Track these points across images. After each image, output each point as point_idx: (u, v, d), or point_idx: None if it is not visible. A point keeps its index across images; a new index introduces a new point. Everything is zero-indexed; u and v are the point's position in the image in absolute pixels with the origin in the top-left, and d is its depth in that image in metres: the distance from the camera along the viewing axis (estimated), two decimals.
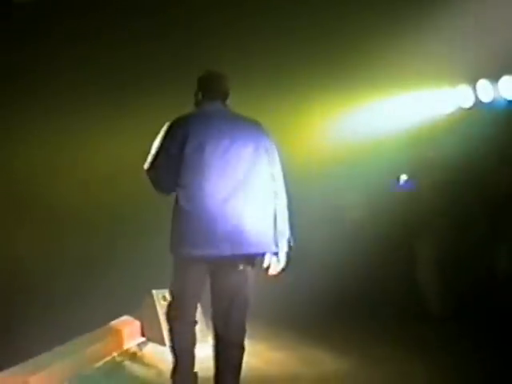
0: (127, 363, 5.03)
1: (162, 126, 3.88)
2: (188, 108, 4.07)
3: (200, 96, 3.98)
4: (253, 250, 3.75)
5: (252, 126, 3.90)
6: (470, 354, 5.03)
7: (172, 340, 4.01)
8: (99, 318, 5.32)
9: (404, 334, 5.81)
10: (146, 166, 3.84)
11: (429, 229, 6.70)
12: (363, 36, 6.04)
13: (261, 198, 3.76)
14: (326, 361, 5.13)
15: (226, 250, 3.66)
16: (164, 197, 3.97)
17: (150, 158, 3.83)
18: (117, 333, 5.30)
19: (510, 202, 6.20)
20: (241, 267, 3.77)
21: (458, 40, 5.98)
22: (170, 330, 4.01)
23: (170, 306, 4.01)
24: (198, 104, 3.99)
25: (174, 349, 4.00)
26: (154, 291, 5.65)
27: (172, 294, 3.98)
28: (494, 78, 6.37)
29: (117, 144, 6.28)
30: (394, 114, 7.19)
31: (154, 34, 6.26)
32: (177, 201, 3.72)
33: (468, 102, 6.69)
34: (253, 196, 3.73)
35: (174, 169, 3.70)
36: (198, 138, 3.70)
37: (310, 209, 6.86)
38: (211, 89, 3.97)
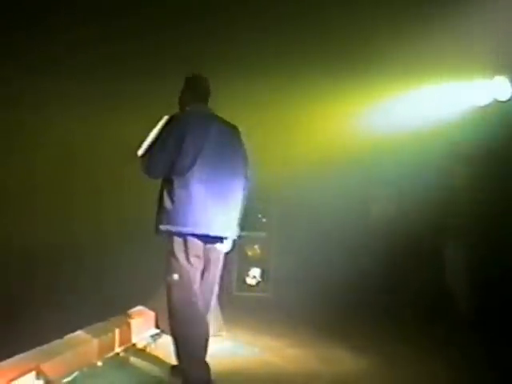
0: (140, 354, 4.97)
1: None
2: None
3: (187, 96, 4.40)
4: (229, 233, 4.34)
5: (233, 131, 4.45)
6: (488, 358, 4.96)
7: (179, 326, 4.13)
8: (113, 307, 5.29)
9: (423, 334, 5.75)
10: (140, 152, 4.24)
11: (459, 230, 6.53)
12: (394, 25, 5.86)
13: (237, 193, 4.35)
14: (343, 359, 5.05)
15: (216, 231, 4.22)
16: None
17: (145, 146, 4.22)
18: (130, 323, 5.23)
19: None
20: (218, 247, 4.33)
21: (495, 30, 5.76)
22: (176, 316, 4.14)
23: (173, 289, 4.13)
24: (185, 103, 4.41)
25: (180, 335, 4.13)
26: None
27: (175, 276, 4.15)
28: None
29: (125, 131, 6.27)
30: (427, 105, 7.00)
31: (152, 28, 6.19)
32: (170, 186, 4.14)
33: (505, 95, 6.43)
34: (232, 190, 4.31)
35: (167, 159, 4.15)
36: (194, 137, 4.16)
37: (335, 203, 6.77)
38: (200, 91, 4.46)
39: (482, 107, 6.66)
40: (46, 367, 4.06)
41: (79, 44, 6.12)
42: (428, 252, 6.67)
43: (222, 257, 4.40)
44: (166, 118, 4.25)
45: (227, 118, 4.47)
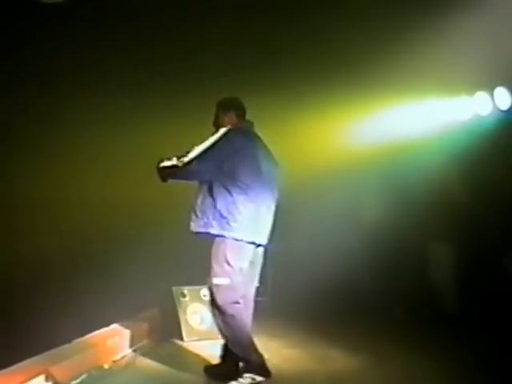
0: (145, 358, 5.10)
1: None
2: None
3: (235, 115, 4.66)
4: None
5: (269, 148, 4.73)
6: (477, 356, 5.11)
7: (238, 327, 4.34)
8: (117, 313, 5.42)
9: (415, 333, 5.89)
10: (187, 159, 4.41)
11: (444, 232, 6.77)
12: (380, 42, 6.05)
13: (273, 204, 4.67)
14: (337, 358, 5.20)
15: (265, 240, 4.59)
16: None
17: (196, 152, 4.41)
18: (136, 328, 5.41)
19: None
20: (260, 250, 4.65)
21: (476, 47, 5.93)
22: (234, 317, 4.32)
23: (224, 292, 4.31)
24: (235, 122, 4.62)
25: (241, 336, 4.35)
26: (173, 288, 5.79)
27: (225, 280, 4.33)
28: None
29: (133, 143, 6.43)
30: (412, 120, 7.22)
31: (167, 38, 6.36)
32: (230, 194, 4.36)
33: (486, 110, 6.65)
34: (272, 202, 4.64)
35: (219, 167, 4.36)
36: (250, 150, 4.47)
37: (326, 209, 6.92)
38: (243, 111, 4.72)
39: (464, 122, 6.92)
40: (55, 370, 4.19)
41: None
42: (416, 253, 6.90)
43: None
44: (223, 130, 4.50)
45: None
